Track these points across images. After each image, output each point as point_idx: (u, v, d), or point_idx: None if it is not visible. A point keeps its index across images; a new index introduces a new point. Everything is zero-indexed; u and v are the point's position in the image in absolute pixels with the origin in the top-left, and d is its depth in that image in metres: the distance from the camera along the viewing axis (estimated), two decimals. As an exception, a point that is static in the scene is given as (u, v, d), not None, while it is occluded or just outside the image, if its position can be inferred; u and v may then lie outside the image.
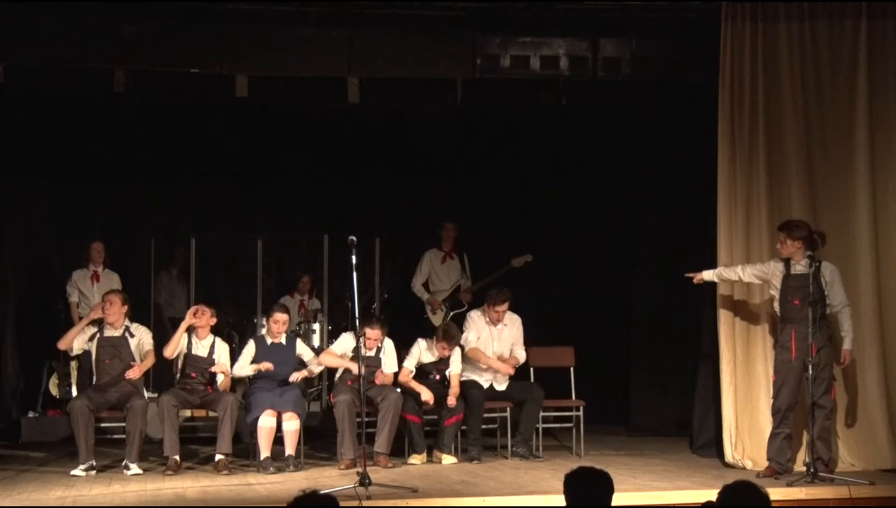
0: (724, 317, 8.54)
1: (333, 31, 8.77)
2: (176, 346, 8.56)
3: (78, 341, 8.62)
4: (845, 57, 8.54)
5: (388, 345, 8.89)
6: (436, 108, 9.94)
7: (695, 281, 8.49)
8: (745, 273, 8.26)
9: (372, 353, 8.73)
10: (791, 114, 8.55)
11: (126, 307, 8.63)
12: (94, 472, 8.21)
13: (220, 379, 8.64)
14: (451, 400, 8.75)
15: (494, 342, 9.14)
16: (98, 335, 8.59)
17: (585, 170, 11.36)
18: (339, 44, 8.80)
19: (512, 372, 9.06)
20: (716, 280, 8.44)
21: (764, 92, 8.54)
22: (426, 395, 8.72)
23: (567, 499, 4.38)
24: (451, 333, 8.89)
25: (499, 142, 11.27)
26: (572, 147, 11.18)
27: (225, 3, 8.47)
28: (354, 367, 8.33)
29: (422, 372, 8.95)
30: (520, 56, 8.98)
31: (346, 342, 8.79)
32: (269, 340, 8.70)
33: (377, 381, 8.66)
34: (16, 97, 9.21)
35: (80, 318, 9.93)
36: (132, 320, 8.70)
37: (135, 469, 8.22)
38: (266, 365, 8.50)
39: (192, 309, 8.71)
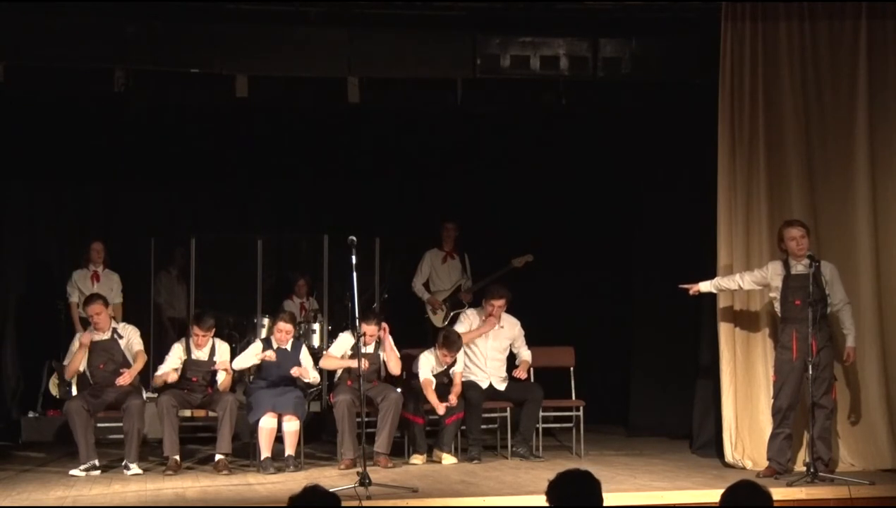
0: (724, 317, 8.54)
1: (333, 31, 8.77)
2: (162, 383, 8.54)
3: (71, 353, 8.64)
4: (845, 57, 8.54)
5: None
6: (436, 108, 9.94)
7: (690, 292, 8.46)
8: (745, 281, 8.21)
9: (371, 349, 8.73)
10: (791, 114, 8.55)
11: (109, 308, 8.62)
12: (97, 472, 8.21)
13: (220, 377, 8.64)
14: (452, 399, 8.75)
15: (490, 341, 9.14)
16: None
17: (585, 170, 11.37)
18: (339, 44, 8.80)
19: (524, 375, 9.06)
20: (713, 291, 8.39)
21: (764, 92, 8.54)
22: (440, 410, 8.69)
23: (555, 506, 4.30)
24: (451, 339, 8.85)
25: (499, 142, 11.28)
26: (572, 147, 11.18)
27: (225, 2, 8.47)
28: (354, 363, 8.30)
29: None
30: (520, 56, 8.98)
31: (344, 341, 8.80)
32: (274, 345, 8.68)
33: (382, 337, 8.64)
34: (16, 97, 9.21)
35: (80, 319, 10.00)
36: (119, 320, 8.70)
37: (135, 469, 8.22)
38: (269, 355, 8.48)
39: (173, 376, 8.54)
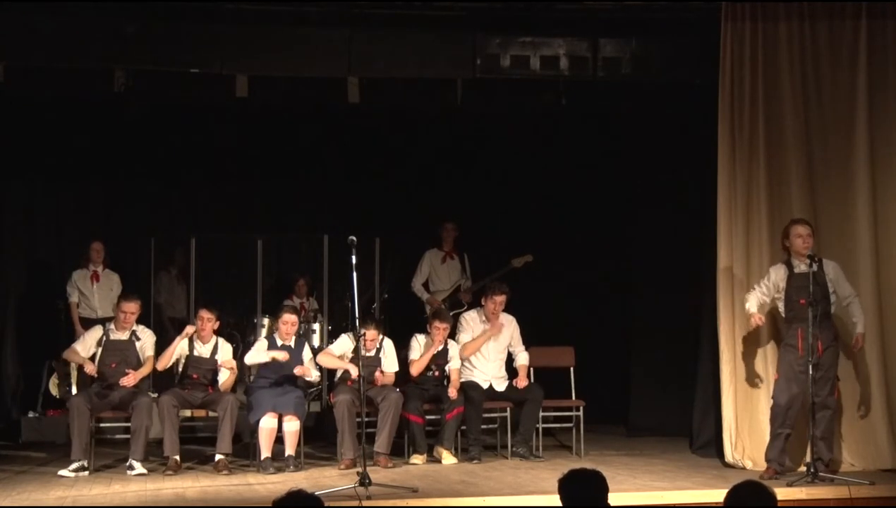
0: (725, 317, 8.53)
1: (333, 31, 8.76)
2: (169, 360, 8.54)
3: (84, 346, 8.63)
4: (845, 57, 8.54)
5: (388, 345, 8.91)
6: (436, 108, 9.95)
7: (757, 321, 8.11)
8: (760, 296, 8.06)
9: (371, 353, 8.73)
10: (791, 114, 8.55)
11: (140, 311, 8.66)
12: (85, 472, 8.19)
13: (223, 376, 8.63)
14: (453, 392, 8.76)
15: (491, 341, 9.15)
16: (104, 338, 8.59)
17: (585, 170, 11.37)
18: (339, 44, 8.79)
19: (525, 383, 9.07)
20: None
21: (764, 92, 8.54)
22: (430, 355, 8.82)
23: (564, 503, 4.36)
24: (439, 311, 9.04)
25: (499, 142, 11.28)
26: (572, 147, 11.18)
27: (225, 2, 8.47)
28: (353, 369, 8.33)
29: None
30: (520, 56, 8.97)
31: (344, 343, 8.80)
32: (278, 342, 8.69)
33: (377, 382, 8.67)
34: (16, 97, 9.21)
35: (80, 319, 10.01)
36: (137, 322, 8.72)
37: (139, 468, 8.20)
38: (282, 355, 8.49)
39: (190, 329, 8.64)
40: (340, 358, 8.74)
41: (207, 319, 8.59)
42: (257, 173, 11.78)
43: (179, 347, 8.61)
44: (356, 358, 8.15)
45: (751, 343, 8.51)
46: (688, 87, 9.15)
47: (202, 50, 8.68)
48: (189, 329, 8.64)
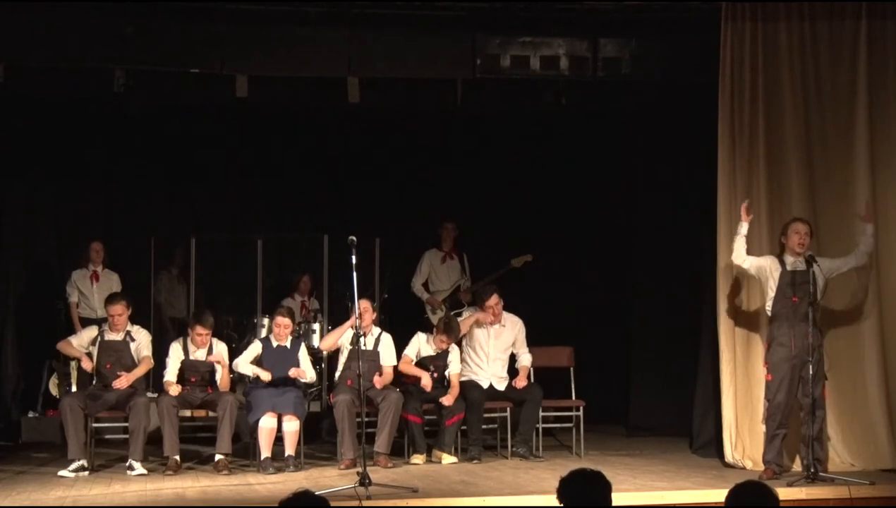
0: (724, 317, 8.52)
1: (333, 31, 8.77)
2: (178, 388, 8.53)
3: (79, 342, 8.64)
4: (845, 57, 8.53)
5: (386, 339, 8.91)
6: (436, 108, 9.95)
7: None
8: (748, 259, 8.10)
9: (370, 347, 8.73)
10: (791, 114, 8.54)
11: (130, 310, 8.64)
12: (85, 472, 8.19)
13: (218, 373, 8.62)
14: (449, 400, 8.75)
15: (492, 341, 9.15)
16: (99, 338, 8.59)
17: (585, 170, 11.37)
18: (339, 44, 8.80)
19: (524, 383, 9.07)
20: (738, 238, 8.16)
21: (764, 92, 8.53)
22: (426, 380, 8.77)
23: (564, 503, 4.33)
24: (451, 326, 8.94)
25: (499, 142, 11.28)
26: (572, 147, 11.19)
27: (225, 2, 8.47)
28: (351, 325, 8.30)
29: (419, 367, 8.96)
30: (520, 56, 8.98)
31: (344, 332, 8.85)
32: (274, 343, 8.69)
33: (377, 384, 8.67)
34: (16, 97, 9.22)
35: (80, 319, 10.01)
36: (133, 322, 8.71)
37: (139, 468, 8.19)
38: (265, 376, 8.48)
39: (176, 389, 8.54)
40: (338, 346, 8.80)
41: (206, 334, 8.60)
42: (257, 173, 11.78)
43: (176, 357, 8.63)
44: (355, 350, 8.14)
45: (751, 343, 8.50)
46: (688, 87, 9.15)
47: (202, 50, 8.69)
48: (174, 389, 8.50)
